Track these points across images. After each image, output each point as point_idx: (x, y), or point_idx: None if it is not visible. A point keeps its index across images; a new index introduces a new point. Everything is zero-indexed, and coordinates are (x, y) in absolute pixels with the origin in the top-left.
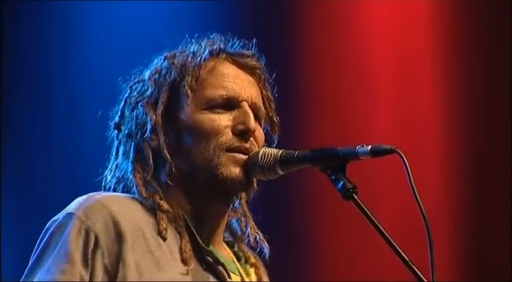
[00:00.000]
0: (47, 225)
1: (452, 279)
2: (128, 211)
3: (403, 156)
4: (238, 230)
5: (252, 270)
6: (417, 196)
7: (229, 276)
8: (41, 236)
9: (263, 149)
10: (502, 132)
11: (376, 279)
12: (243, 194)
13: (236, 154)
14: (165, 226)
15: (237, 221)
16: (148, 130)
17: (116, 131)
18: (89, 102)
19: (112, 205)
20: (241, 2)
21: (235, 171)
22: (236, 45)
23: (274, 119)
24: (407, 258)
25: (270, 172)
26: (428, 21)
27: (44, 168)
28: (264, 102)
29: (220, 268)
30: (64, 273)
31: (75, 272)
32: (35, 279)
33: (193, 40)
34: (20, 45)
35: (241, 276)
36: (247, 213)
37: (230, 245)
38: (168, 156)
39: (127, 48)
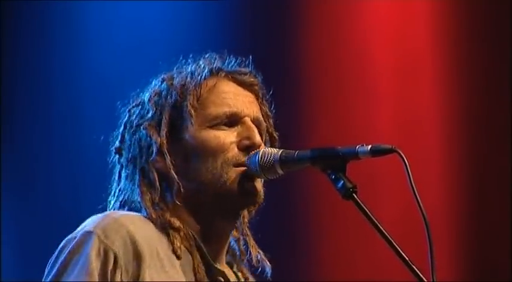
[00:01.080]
0: (63, 243)
1: (452, 279)
2: (143, 230)
3: (403, 156)
4: (237, 249)
5: None
6: (417, 196)
7: None
8: (57, 254)
9: (263, 148)
10: (502, 132)
11: (376, 279)
12: (245, 213)
13: (244, 168)
14: (179, 245)
15: (235, 241)
16: (153, 152)
17: (117, 156)
18: (90, 102)
19: (130, 224)
20: (242, 2)
21: (243, 184)
22: (233, 63)
23: (274, 135)
24: (407, 258)
25: (270, 172)
26: (428, 21)
27: (44, 169)
28: (263, 118)
29: None
30: None
31: None
32: None
33: (189, 60)
34: (21, 45)
35: None
36: (248, 232)
37: (230, 265)
38: (176, 176)
39: (127, 48)
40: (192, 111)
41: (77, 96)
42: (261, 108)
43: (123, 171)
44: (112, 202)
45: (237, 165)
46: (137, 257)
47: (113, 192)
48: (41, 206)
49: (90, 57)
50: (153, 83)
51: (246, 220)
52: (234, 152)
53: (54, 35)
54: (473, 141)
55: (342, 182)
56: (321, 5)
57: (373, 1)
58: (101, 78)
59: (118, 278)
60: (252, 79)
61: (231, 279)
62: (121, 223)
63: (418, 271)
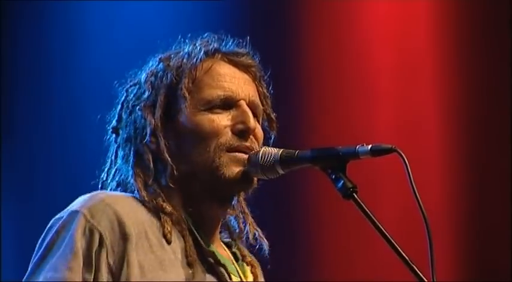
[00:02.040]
0: (50, 223)
1: (452, 279)
2: (131, 211)
3: (403, 156)
4: (237, 227)
5: (248, 269)
6: (417, 195)
7: (230, 278)
8: (44, 234)
9: (263, 148)
10: (502, 132)
11: (376, 279)
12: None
13: (237, 153)
14: (169, 229)
15: (235, 218)
16: (147, 134)
17: (114, 135)
18: (90, 102)
19: (116, 204)
20: (242, 2)
21: (237, 170)
22: (230, 44)
23: (272, 116)
24: (407, 258)
25: (270, 171)
26: (428, 21)
27: (44, 169)
28: (260, 100)
29: (222, 269)
30: (72, 270)
31: (81, 270)
32: (41, 278)
33: (187, 40)
34: (21, 46)
35: (240, 277)
36: (246, 210)
37: (229, 246)
38: (169, 158)
39: (127, 48)
40: (187, 94)
41: (77, 97)
42: (258, 90)
43: (119, 150)
44: (108, 181)
45: (230, 150)
46: (124, 237)
47: (106, 170)
48: (40, 206)
49: (90, 57)
50: (151, 62)
51: (241, 198)
52: (227, 136)
53: (54, 35)
54: (474, 141)
55: (342, 181)
56: (321, 4)
57: (374, 1)
58: (101, 78)
59: (104, 257)
60: (249, 60)
61: (221, 260)
62: (108, 203)
63: (418, 271)
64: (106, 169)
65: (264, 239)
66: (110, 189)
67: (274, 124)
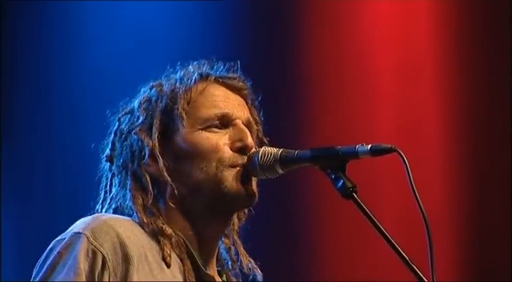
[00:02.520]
0: (52, 244)
1: (452, 279)
2: (132, 233)
3: (403, 155)
4: (229, 259)
5: None
6: (417, 195)
7: None
8: (45, 255)
9: (263, 148)
10: (503, 132)
11: (376, 279)
12: (235, 221)
13: (239, 169)
14: (169, 252)
15: (226, 250)
16: (146, 155)
17: (109, 164)
18: (90, 102)
19: (118, 227)
20: (243, 2)
21: (240, 185)
22: (221, 68)
23: (264, 140)
24: (407, 257)
25: (270, 171)
26: (430, 21)
27: (44, 169)
28: (253, 123)
29: None
30: None
31: None
32: None
33: (177, 68)
34: (21, 45)
35: None
36: (238, 241)
37: (219, 274)
38: (169, 178)
39: (127, 48)
40: (183, 114)
41: (77, 97)
42: (250, 113)
43: (115, 178)
44: (104, 210)
45: (234, 166)
46: (125, 259)
47: (101, 201)
48: (40, 207)
49: (90, 57)
50: (142, 90)
51: (236, 227)
52: (228, 153)
53: (54, 35)
54: (474, 141)
55: (342, 181)
56: (322, 4)
57: (375, 1)
58: (101, 78)
59: (106, 279)
60: (241, 83)
61: None
62: (110, 225)
63: (418, 270)
64: (100, 200)
65: (258, 269)
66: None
67: None
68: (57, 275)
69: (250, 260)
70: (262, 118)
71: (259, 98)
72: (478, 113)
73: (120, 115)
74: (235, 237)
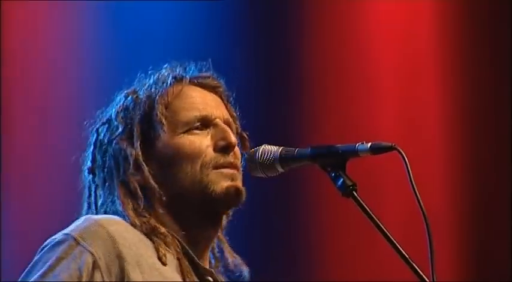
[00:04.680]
0: (44, 244)
1: (452, 279)
2: (126, 231)
3: (403, 154)
4: (211, 257)
5: None
6: (417, 193)
7: None
8: (37, 256)
9: (263, 146)
10: (504, 132)
11: (376, 279)
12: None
13: (223, 169)
14: (163, 252)
15: (210, 250)
16: (130, 164)
17: (91, 176)
18: (90, 102)
19: (110, 225)
20: (244, 2)
21: (226, 185)
22: (193, 68)
23: (244, 135)
24: (407, 256)
25: (270, 169)
26: (432, 20)
27: (44, 169)
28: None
29: None
30: None
31: None
32: None
33: (149, 73)
34: (21, 45)
35: None
36: (222, 238)
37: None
38: (156, 185)
39: (128, 48)
40: (163, 119)
41: (77, 97)
42: (227, 110)
43: (99, 189)
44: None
45: (216, 167)
46: (119, 257)
47: (86, 208)
48: (41, 206)
49: (91, 57)
50: (117, 99)
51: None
52: (211, 154)
53: (54, 35)
54: (476, 141)
55: (342, 179)
56: (324, 3)
57: (377, 1)
58: (101, 78)
59: (98, 278)
60: (215, 82)
61: (218, 279)
62: (101, 224)
63: (418, 269)
64: (84, 213)
65: (244, 265)
66: None
67: (247, 142)
68: (44, 276)
69: (236, 256)
70: (238, 113)
71: (234, 95)
72: (479, 112)
73: (97, 126)
74: (220, 235)
